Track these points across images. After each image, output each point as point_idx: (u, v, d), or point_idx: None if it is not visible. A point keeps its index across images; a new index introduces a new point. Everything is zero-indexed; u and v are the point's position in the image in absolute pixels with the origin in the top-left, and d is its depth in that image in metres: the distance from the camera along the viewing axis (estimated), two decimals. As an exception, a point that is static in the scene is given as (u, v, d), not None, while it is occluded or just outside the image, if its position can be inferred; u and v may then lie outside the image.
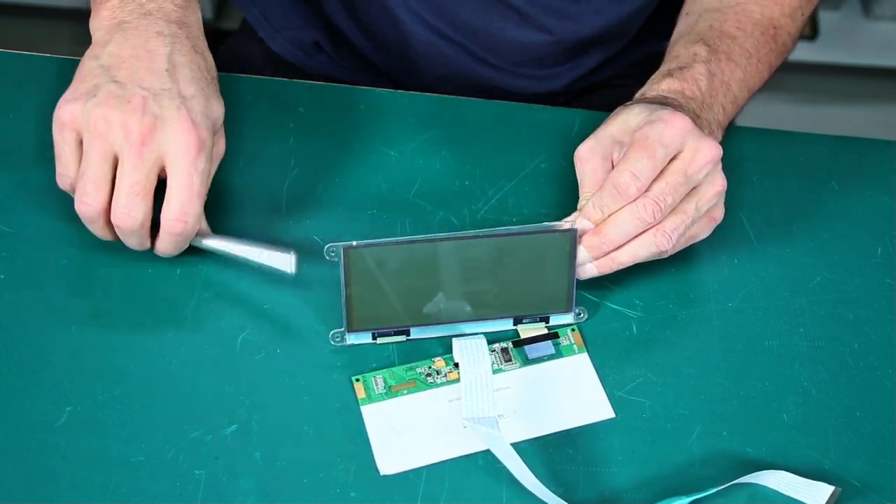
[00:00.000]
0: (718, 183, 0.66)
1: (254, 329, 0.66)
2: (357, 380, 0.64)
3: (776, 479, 0.61)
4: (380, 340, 0.65)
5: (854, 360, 0.67)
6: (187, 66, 0.65)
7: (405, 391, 0.64)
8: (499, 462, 0.61)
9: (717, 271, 0.71)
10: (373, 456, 0.61)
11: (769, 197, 0.76)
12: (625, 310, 0.69)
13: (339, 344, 0.65)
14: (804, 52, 1.81)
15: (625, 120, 0.67)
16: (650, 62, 0.98)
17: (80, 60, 0.67)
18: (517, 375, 0.65)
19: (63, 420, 0.61)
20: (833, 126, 0.74)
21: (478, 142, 0.78)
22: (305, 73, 0.94)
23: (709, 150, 0.64)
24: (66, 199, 0.72)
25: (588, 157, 0.67)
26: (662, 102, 0.68)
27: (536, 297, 0.66)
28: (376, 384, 0.64)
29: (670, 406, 0.64)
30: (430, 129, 0.78)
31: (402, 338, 0.65)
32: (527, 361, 0.66)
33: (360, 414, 0.63)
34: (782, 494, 0.60)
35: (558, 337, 0.67)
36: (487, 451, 0.61)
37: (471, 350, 0.64)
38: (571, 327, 0.67)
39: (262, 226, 0.71)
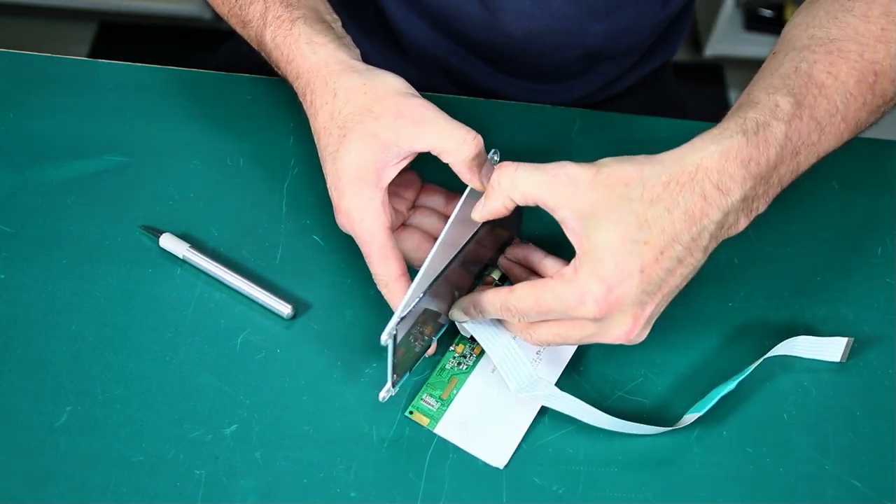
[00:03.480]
0: (620, 342, 0.59)
1: (254, 329, 0.66)
2: (411, 412, 0.63)
3: (796, 346, 0.66)
4: (414, 368, 0.64)
5: (854, 360, 0.67)
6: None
7: (454, 391, 0.64)
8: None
9: (717, 271, 0.71)
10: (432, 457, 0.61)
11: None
12: (625, 310, 0.69)
13: (388, 397, 0.62)
14: (804, 52, 1.81)
15: (572, 199, 0.57)
16: (657, 74, 0.97)
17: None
18: None
19: (63, 420, 0.61)
20: (833, 126, 0.74)
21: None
22: None
23: (618, 334, 0.58)
24: (66, 199, 0.72)
25: (503, 189, 0.60)
26: (715, 177, 0.57)
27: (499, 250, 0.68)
28: (429, 404, 0.64)
29: (670, 406, 0.64)
30: (430, 129, 0.78)
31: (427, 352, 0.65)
32: None
33: (359, 413, 0.63)
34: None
35: None
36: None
37: (481, 330, 0.63)
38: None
39: (262, 225, 0.71)
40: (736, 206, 0.58)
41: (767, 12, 2.01)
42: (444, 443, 0.62)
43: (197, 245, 0.69)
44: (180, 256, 0.69)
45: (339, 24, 0.71)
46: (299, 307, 0.67)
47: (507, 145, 0.78)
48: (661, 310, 0.59)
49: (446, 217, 0.67)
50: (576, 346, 0.66)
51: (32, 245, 0.69)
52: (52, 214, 0.71)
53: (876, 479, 0.62)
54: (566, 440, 0.62)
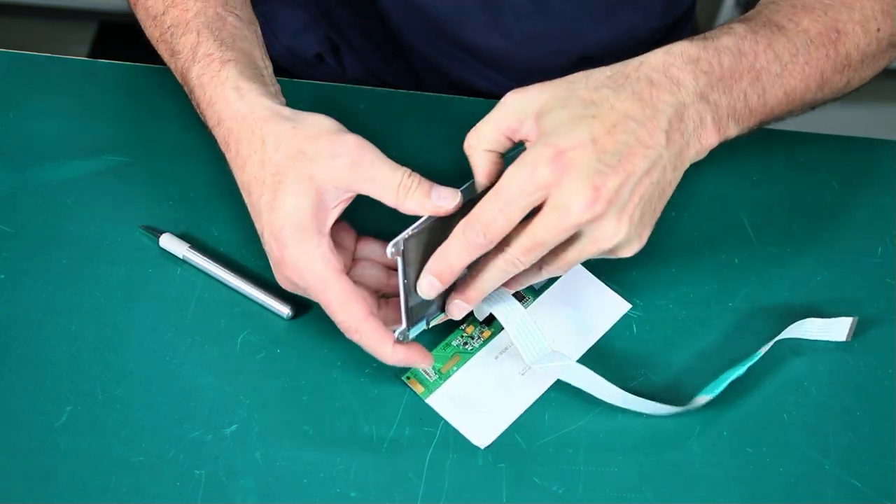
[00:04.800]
0: (601, 241, 0.57)
1: (254, 329, 0.66)
2: (409, 377, 0.64)
3: (803, 329, 0.67)
4: (432, 323, 0.64)
5: (854, 360, 0.67)
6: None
7: (454, 367, 0.65)
8: (501, 461, 0.61)
9: (717, 271, 0.71)
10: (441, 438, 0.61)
11: (769, 197, 0.76)
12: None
13: (403, 342, 0.62)
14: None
15: (525, 106, 0.58)
16: None
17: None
18: (536, 308, 0.68)
19: (63, 420, 0.61)
20: (833, 126, 0.73)
21: (478, 142, 0.78)
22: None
23: (580, 204, 0.54)
24: (66, 199, 0.72)
25: (474, 148, 0.60)
26: (660, 69, 0.59)
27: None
28: (427, 374, 0.64)
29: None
30: (430, 129, 0.78)
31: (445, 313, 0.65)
32: (536, 293, 0.69)
33: (359, 413, 0.63)
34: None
35: None
36: (487, 450, 0.61)
37: (497, 304, 0.63)
38: None
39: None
40: (692, 99, 0.58)
41: (767, 12, 2.00)
42: (443, 442, 0.62)
43: (197, 245, 0.69)
44: (180, 256, 0.69)
45: (271, 69, 0.68)
46: (299, 307, 0.67)
47: (507, 145, 0.78)
48: (640, 203, 0.56)
49: (387, 267, 0.65)
50: (597, 336, 0.67)
51: (32, 245, 0.69)
52: (52, 214, 0.71)
53: (876, 479, 0.62)
54: (566, 440, 0.62)
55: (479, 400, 0.64)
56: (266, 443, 0.61)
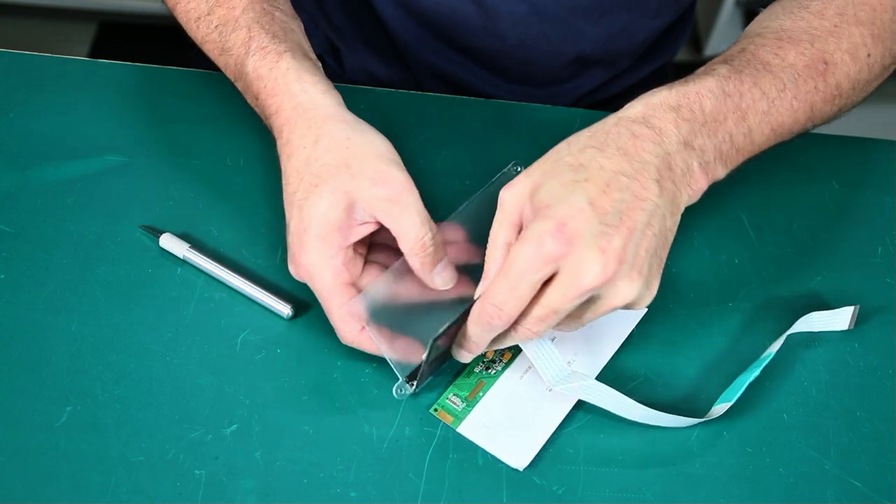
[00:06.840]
0: (615, 299, 0.57)
1: (254, 329, 0.66)
2: (436, 409, 0.63)
3: (810, 323, 0.68)
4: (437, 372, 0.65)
5: (854, 359, 0.67)
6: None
7: (480, 393, 0.64)
8: (500, 462, 0.61)
9: (717, 271, 0.71)
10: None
11: (769, 197, 0.76)
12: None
13: (403, 396, 0.63)
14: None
15: (518, 196, 0.58)
16: (657, 75, 0.97)
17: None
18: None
19: (63, 420, 0.61)
20: (833, 126, 0.73)
21: (478, 142, 0.78)
22: None
23: (592, 270, 0.55)
24: (66, 199, 0.72)
25: (493, 238, 0.60)
26: (640, 121, 0.59)
27: None
28: (455, 403, 0.64)
29: (670, 406, 0.64)
30: (430, 129, 0.78)
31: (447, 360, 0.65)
32: None
33: (359, 413, 0.63)
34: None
35: None
36: (486, 450, 0.61)
37: None
38: None
39: (262, 225, 0.71)
40: (677, 147, 0.58)
41: (767, 12, 2.00)
42: (443, 442, 0.62)
43: (197, 245, 0.69)
44: (180, 256, 0.69)
45: (320, 64, 0.68)
46: (299, 307, 0.67)
47: (507, 146, 0.78)
48: (647, 256, 0.57)
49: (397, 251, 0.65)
50: (615, 346, 0.66)
51: (32, 245, 0.69)
52: (52, 214, 0.71)
53: (876, 479, 0.62)
54: (566, 440, 0.62)
55: (511, 422, 0.63)
56: (266, 443, 0.61)
